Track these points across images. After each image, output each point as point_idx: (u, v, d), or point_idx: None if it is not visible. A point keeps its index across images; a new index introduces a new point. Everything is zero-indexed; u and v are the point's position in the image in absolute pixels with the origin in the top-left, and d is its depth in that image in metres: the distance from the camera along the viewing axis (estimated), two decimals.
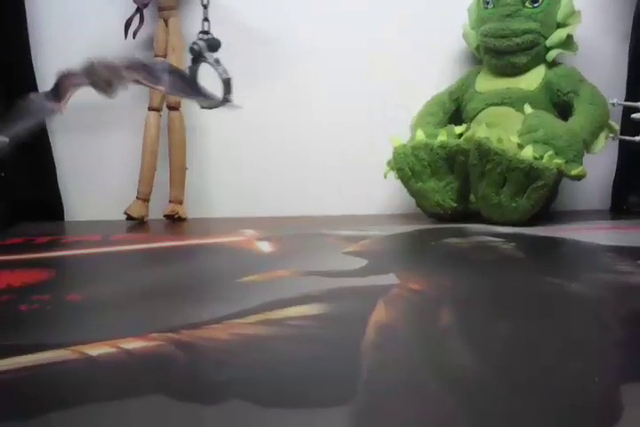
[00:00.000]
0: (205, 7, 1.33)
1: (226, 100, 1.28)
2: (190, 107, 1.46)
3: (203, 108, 1.32)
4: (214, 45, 1.30)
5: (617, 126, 1.34)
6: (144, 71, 1.01)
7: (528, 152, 1.16)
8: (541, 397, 0.45)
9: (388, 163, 1.37)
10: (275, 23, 1.49)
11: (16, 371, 0.51)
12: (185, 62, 1.43)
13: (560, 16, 1.35)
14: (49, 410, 0.44)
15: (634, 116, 1.27)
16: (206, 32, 1.31)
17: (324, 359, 0.53)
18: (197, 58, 1.29)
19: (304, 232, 1.25)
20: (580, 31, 1.38)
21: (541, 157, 1.17)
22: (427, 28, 1.49)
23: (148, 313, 0.69)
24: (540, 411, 0.43)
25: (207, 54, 1.28)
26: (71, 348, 0.55)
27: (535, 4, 1.35)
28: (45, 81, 1.50)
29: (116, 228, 1.37)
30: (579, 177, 1.21)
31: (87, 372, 0.52)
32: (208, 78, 1.21)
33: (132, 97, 1.51)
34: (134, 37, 1.42)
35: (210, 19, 1.33)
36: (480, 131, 1.24)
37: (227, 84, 1.26)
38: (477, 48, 1.44)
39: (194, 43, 1.29)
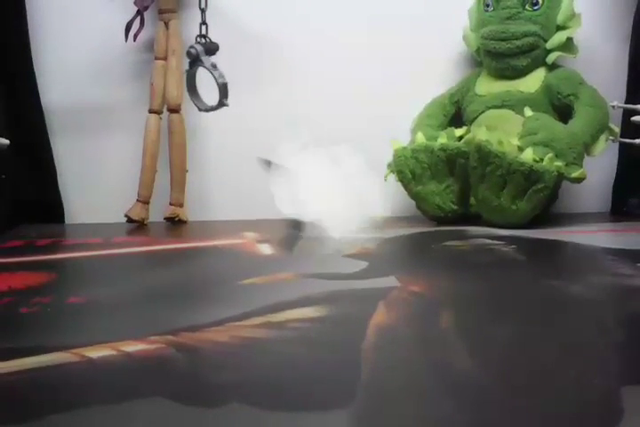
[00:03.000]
0: (203, 11, 1.33)
1: (222, 104, 1.28)
2: (191, 109, 1.46)
3: (201, 110, 1.32)
4: (212, 49, 1.30)
5: (617, 129, 1.34)
6: None
7: (528, 155, 1.16)
8: (541, 399, 0.44)
9: (389, 165, 1.37)
10: (273, 27, 1.49)
11: (16, 373, 0.51)
12: (185, 65, 1.44)
13: (560, 19, 1.35)
14: (49, 413, 0.44)
15: (634, 118, 1.27)
16: (204, 36, 1.31)
17: (324, 362, 0.53)
18: (194, 62, 1.29)
19: (304, 235, 1.24)
20: (580, 34, 1.38)
21: (541, 160, 1.17)
22: (427, 31, 1.49)
23: (148, 316, 0.69)
24: (540, 414, 0.43)
25: (204, 58, 1.28)
26: (71, 350, 0.55)
27: (535, 7, 1.35)
28: (46, 82, 1.50)
29: (116, 230, 1.37)
30: (579, 180, 1.21)
31: (87, 375, 0.52)
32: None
33: (132, 99, 1.51)
34: (135, 40, 1.42)
35: (208, 22, 1.33)
36: (480, 133, 1.24)
37: (223, 88, 1.26)
38: (478, 50, 1.44)
39: (191, 46, 1.29)
